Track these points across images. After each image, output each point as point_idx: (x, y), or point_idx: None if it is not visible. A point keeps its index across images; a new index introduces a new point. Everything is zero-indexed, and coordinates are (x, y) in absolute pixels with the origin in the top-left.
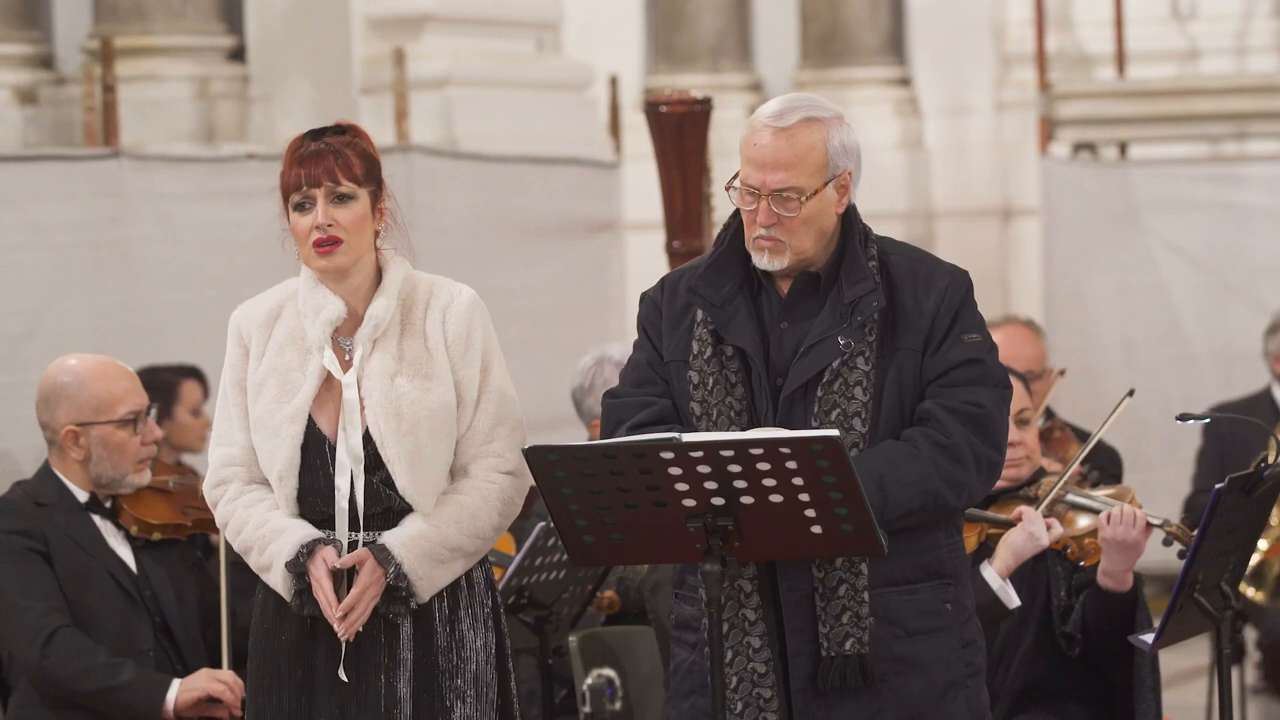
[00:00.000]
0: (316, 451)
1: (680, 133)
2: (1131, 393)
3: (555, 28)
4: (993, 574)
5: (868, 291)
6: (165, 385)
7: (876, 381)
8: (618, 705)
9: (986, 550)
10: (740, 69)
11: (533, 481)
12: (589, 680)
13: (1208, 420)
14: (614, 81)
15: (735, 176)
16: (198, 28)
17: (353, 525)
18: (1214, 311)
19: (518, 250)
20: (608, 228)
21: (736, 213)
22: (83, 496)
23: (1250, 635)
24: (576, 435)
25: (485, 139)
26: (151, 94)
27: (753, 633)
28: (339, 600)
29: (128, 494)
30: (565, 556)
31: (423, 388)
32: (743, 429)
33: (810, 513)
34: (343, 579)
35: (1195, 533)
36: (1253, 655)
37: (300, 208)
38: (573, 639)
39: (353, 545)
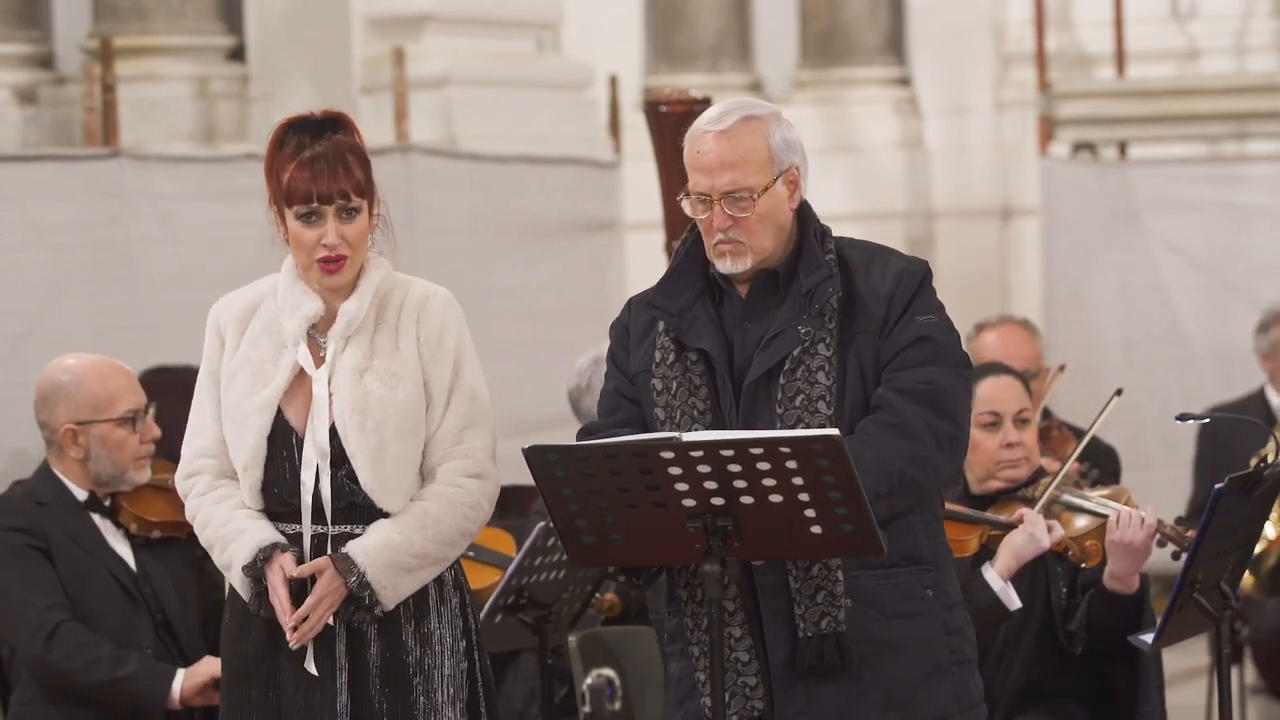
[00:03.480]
0: (283, 444)
1: (680, 132)
2: (1119, 392)
3: (555, 28)
4: (994, 575)
5: (824, 279)
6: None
7: (839, 365)
8: (618, 705)
9: (988, 553)
10: (740, 69)
11: (501, 483)
12: (589, 680)
13: (1207, 420)
14: (614, 81)
15: (684, 190)
16: (197, 28)
17: (318, 519)
18: (1214, 311)
19: (518, 250)
20: (607, 228)
21: (693, 226)
22: (82, 495)
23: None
24: (575, 436)
25: (485, 139)
26: (151, 94)
27: (732, 623)
28: (295, 607)
29: (127, 492)
30: (565, 556)
31: (391, 385)
32: (706, 428)
33: (810, 512)
34: (304, 583)
35: (1190, 533)
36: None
37: (306, 218)
38: (572, 639)
39: (318, 539)
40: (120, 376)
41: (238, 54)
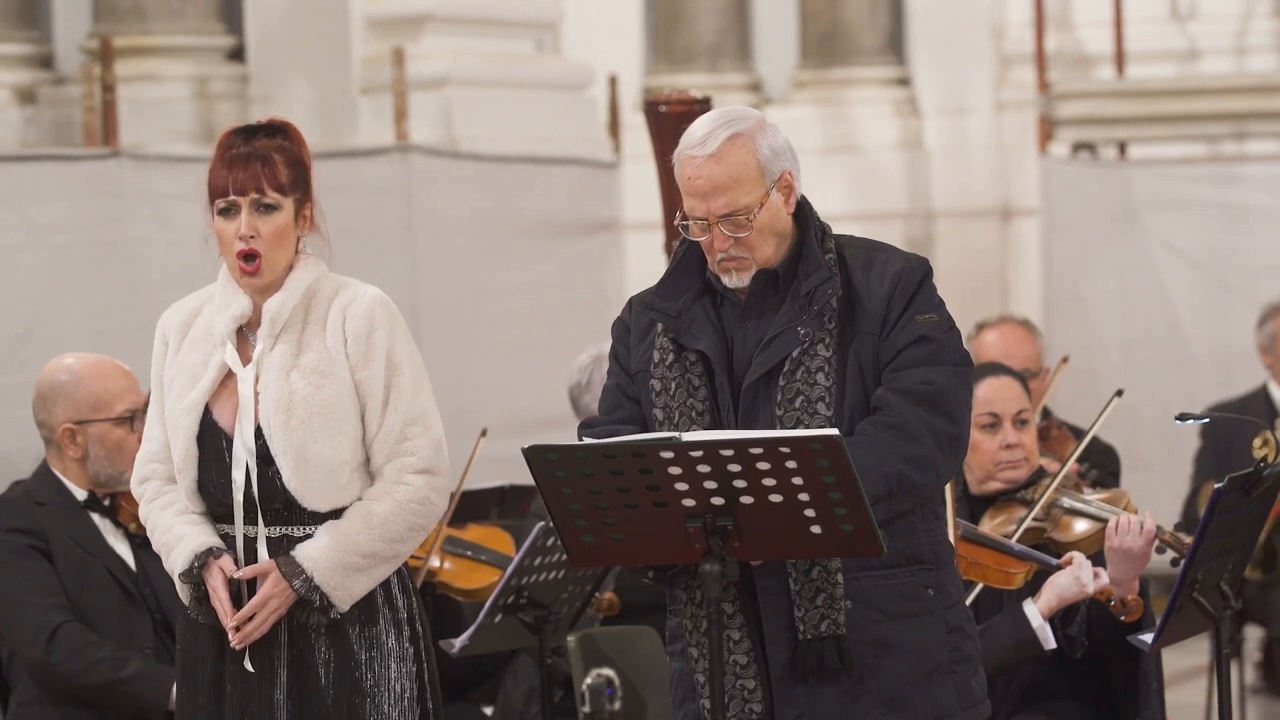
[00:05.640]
0: (213, 444)
1: (680, 133)
2: (1120, 393)
3: (555, 28)
4: (1034, 612)
5: (823, 280)
6: None
7: (838, 366)
8: (617, 705)
9: (1030, 589)
10: (740, 69)
11: (501, 484)
12: (588, 680)
13: (1207, 420)
14: (613, 81)
15: (681, 215)
16: (197, 28)
17: (252, 518)
18: (1213, 311)
19: (518, 250)
20: (607, 227)
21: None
22: (81, 495)
23: (1253, 634)
24: (575, 434)
25: (485, 139)
26: (151, 94)
27: (731, 625)
28: (238, 609)
29: (127, 491)
30: (564, 556)
31: (316, 384)
32: (704, 429)
33: (810, 512)
34: (243, 586)
35: (1189, 537)
36: (1252, 655)
37: (225, 213)
38: (572, 639)
39: (250, 540)
40: (119, 376)
41: (237, 54)
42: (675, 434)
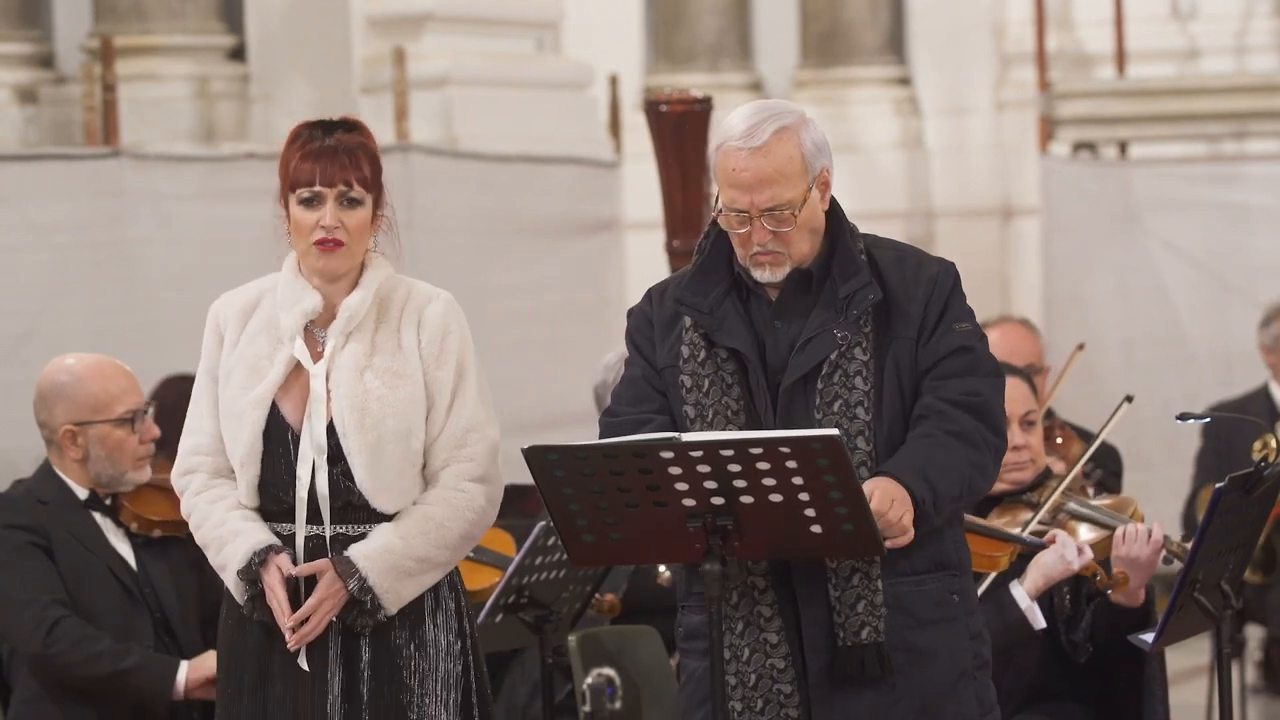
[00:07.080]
0: (279, 439)
1: (680, 132)
2: (1130, 398)
3: (555, 27)
4: (1021, 593)
5: (863, 285)
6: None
7: (876, 370)
8: (618, 705)
9: (1016, 571)
10: (740, 68)
11: (504, 486)
12: (589, 679)
13: (1208, 420)
14: (614, 81)
15: (717, 204)
16: (197, 27)
17: (314, 517)
18: (1213, 311)
19: (518, 250)
20: (608, 227)
21: (714, 221)
22: (82, 494)
23: (1254, 633)
24: (577, 434)
25: (485, 139)
26: (151, 93)
27: (769, 628)
28: (294, 608)
29: (128, 491)
30: (565, 556)
31: (391, 385)
32: (740, 429)
33: (810, 512)
34: (299, 584)
35: (1189, 538)
36: (1253, 655)
37: (308, 203)
38: (572, 638)
39: (313, 540)
40: (120, 377)
41: (238, 54)
42: (675, 434)
